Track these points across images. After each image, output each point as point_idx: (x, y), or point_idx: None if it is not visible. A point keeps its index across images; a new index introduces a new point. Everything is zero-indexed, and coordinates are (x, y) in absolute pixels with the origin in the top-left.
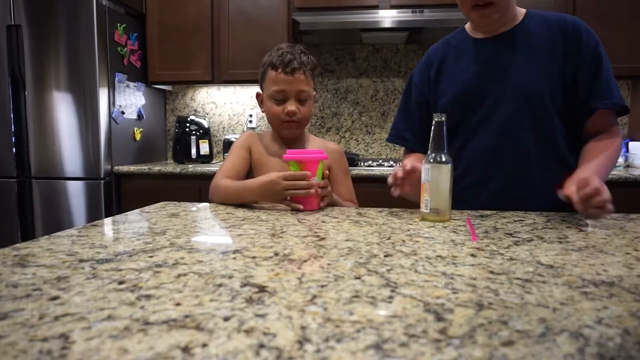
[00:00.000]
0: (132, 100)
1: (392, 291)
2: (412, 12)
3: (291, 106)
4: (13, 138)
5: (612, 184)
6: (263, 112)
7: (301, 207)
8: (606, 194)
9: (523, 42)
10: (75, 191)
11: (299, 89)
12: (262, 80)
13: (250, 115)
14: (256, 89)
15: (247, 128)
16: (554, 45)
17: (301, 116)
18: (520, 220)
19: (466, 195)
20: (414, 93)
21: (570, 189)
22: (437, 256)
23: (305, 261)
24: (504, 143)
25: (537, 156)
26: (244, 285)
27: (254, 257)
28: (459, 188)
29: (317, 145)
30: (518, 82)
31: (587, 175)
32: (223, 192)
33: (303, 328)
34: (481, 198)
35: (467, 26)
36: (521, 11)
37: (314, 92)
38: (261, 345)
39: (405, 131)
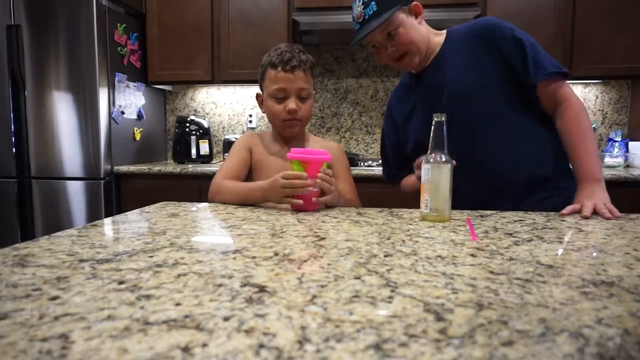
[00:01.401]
0: (132, 100)
1: (392, 291)
2: None
3: (292, 104)
4: (13, 138)
5: (612, 184)
6: (263, 112)
7: (301, 202)
8: (604, 206)
9: (452, 60)
10: (75, 191)
11: (299, 86)
12: (262, 80)
13: (250, 115)
14: (256, 88)
15: (247, 128)
16: (477, 51)
17: (302, 114)
18: (520, 220)
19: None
20: (386, 143)
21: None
22: (437, 256)
23: (305, 261)
24: (465, 151)
25: (501, 150)
26: (244, 285)
27: (254, 257)
28: None
29: (318, 144)
30: (462, 96)
31: (580, 205)
32: (231, 191)
33: (303, 328)
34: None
35: None
36: (442, 35)
37: (314, 91)
38: (261, 345)
39: (393, 170)
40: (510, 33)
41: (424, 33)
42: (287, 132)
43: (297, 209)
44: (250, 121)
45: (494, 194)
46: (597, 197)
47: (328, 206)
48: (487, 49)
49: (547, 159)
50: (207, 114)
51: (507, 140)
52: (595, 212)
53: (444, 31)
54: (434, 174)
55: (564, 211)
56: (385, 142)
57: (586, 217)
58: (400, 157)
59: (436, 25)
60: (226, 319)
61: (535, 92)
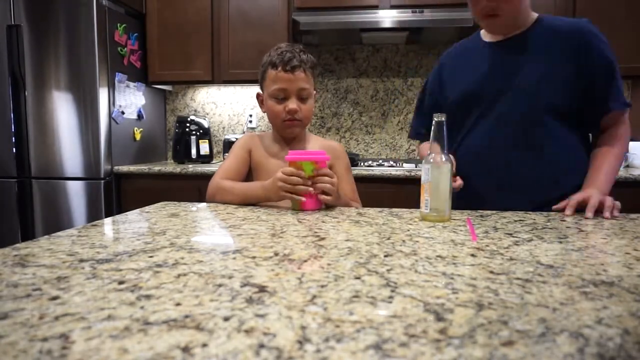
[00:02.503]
0: (132, 100)
1: (392, 291)
2: (412, 12)
3: (292, 104)
4: (13, 138)
5: None
6: (264, 112)
7: (303, 199)
8: (607, 201)
9: (530, 46)
10: (75, 191)
11: (300, 86)
12: (263, 80)
13: (250, 115)
14: (256, 89)
15: (247, 128)
16: (562, 50)
17: (302, 114)
18: (520, 220)
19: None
20: (427, 96)
21: (561, 205)
22: (437, 256)
23: (305, 261)
24: (496, 142)
25: (524, 155)
26: (244, 285)
27: (254, 257)
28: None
29: (319, 144)
30: (519, 84)
31: (586, 195)
32: (227, 192)
33: (303, 328)
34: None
35: (483, 31)
36: (534, 16)
37: (315, 91)
38: (261, 345)
39: (421, 127)
40: (605, 49)
41: (526, 4)
42: (287, 132)
43: (297, 209)
44: (250, 121)
45: (509, 195)
46: (601, 194)
47: (328, 206)
48: (572, 52)
49: (573, 179)
50: (207, 114)
51: (542, 149)
52: (599, 209)
53: (536, 14)
54: (434, 174)
55: (570, 204)
56: (425, 98)
57: (593, 207)
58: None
59: (437, 25)
60: (226, 319)
61: (601, 114)
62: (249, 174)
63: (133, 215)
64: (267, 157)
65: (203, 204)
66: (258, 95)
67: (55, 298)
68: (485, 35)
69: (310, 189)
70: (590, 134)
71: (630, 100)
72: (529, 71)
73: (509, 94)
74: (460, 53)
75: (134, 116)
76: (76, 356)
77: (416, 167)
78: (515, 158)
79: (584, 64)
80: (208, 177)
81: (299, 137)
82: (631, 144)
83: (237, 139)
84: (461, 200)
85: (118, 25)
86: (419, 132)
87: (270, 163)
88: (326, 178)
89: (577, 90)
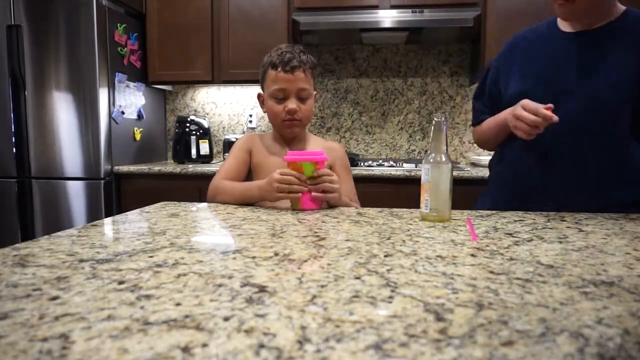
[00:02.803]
0: (132, 100)
1: (392, 291)
2: (412, 12)
3: (292, 104)
4: (13, 138)
5: None
6: (264, 112)
7: (299, 195)
8: None
9: (612, 41)
10: (75, 191)
11: (299, 87)
12: (263, 81)
13: (250, 115)
14: (256, 89)
15: (247, 128)
16: None
17: (302, 115)
18: (520, 220)
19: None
20: (489, 81)
21: None
22: (437, 256)
23: (305, 261)
24: (561, 144)
25: (595, 159)
26: (244, 285)
27: (254, 257)
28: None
29: (319, 145)
30: (594, 83)
31: None
32: (226, 192)
33: (303, 328)
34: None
35: (558, 18)
36: (620, 8)
37: (315, 92)
38: (261, 345)
39: (484, 112)
40: None
41: None
42: (287, 132)
43: (297, 209)
44: (250, 121)
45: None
46: None
47: (328, 206)
48: None
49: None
50: (207, 114)
51: (614, 158)
52: None
53: (623, 7)
54: (434, 174)
55: None
56: (487, 83)
57: None
58: (493, 104)
59: (437, 25)
60: (226, 319)
61: None
62: (249, 174)
63: (133, 215)
64: (268, 157)
65: (203, 204)
66: (259, 96)
67: (55, 298)
68: (562, 24)
69: (305, 188)
70: None
71: None
72: (617, 65)
73: (581, 94)
74: (532, 40)
75: (134, 116)
76: (76, 356)
77: (416, 167)
78: (588, 160)
79: None
80: (208, 177)
81: (299, 137)
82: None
83: (237, 139)
84: (511, 194)
85: (118, 25)
86: (482, 118)
87: (271, 163)
88: (326, 177)
89: None
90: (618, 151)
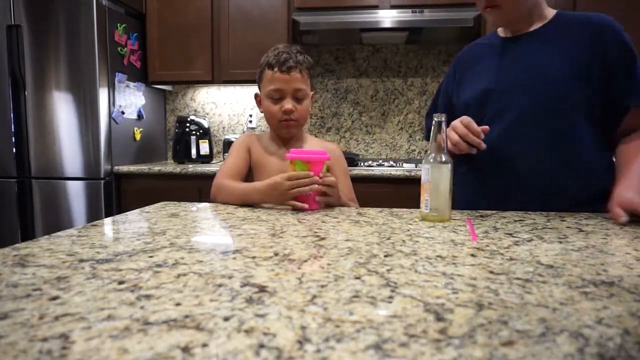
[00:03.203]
0: (132, 100)
1: (392, 291)
2: (412, 12)
3: (288, 104)
4: (13, 138)
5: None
6: (262, 112)
7: (306, 206)
8: None
9: (550, 39)
10: (75, 191)
11: (295, 87)
12: (260, 81)
13: (250, 115)
14: (256, 89)
15: (247, 128)
16: (583, 43)
17: (298, 115)
18: (520, 220)
19: (469, 182)
20: (441, 96)
21: (616, 212)
22: (437, 256)
23: (305, 261)
24: (512, 141)
25: (546, 154)
26: (244, 285)
27: (254, 257)
28: (460, 173)
29: (317, 145)
30: (541, 78)
31: (630, 198)
32: (231, 192)
33: (303, 328)
34: (483, 187)
35: (500, 28)
36: (552, 12)
37: (312, 92)
38: (261, 345)
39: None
40: (623, 39)
41: None
42: (283, 132)
43: (297, 209)
44: (250, 121)
45: (530, 193)
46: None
47: (328, 206)
48: (591, 47)
49: (591, 181)
50: (207, 114)
51: (564, 150)
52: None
53: (554, 10)
54: (434, 174)
55: (619, 211)
56: (440, 93)
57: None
58: (450, 113)
59: (437, 25)
60: (226, 319)
61: (620, 112)
62: (249, 174)
63: (133, 215)
64: (266, 157)
65: (203, 204)
66: (256, 96)
67: (55, 298)
68: (502, 32)
69: (317, 187)
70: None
71: None
72: (550, 64)
73: (530, 89)
74: (476, 51)
75: (134, 116)
76: (76, 356)
77: (416, 167)
78: (540, 154)
79: (601, 54)
80: (208, 177)
81: (296, 137)
82: None
83: (236, 139)
84: (479, 195)
85: (118, 25)
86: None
87: (269, 162)
88: (327, 179)
89: (599, 83)
90: (567, 148)
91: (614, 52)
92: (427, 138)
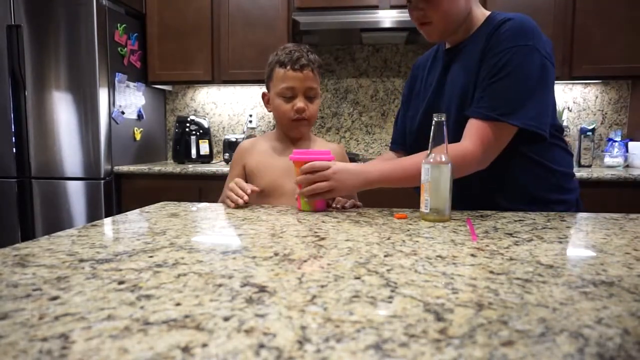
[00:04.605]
0: (132, 100)
1: (392, 291)
2: None
3: (300, 103)
4: (13, 138)
5: (611, 184)
6: (269, 111)
7: (241, 201)
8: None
9: (465, 54)
10: (75, 191)
11: (308, 85)
12: (269, 79)
13: (250, 115)
14: (256, 89)
15: (247, 128)
16: (480, 52)
17: (309, 114)
18: (520, 220)
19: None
20: (401, 109)
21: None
22: (437, 256)
23: (305, 261)
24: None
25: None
26: (244, 285)
27: (254, 257)
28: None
29: (321, 145)
30: (453, 95)
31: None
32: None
33: (303, 328)
34: None
35: None
36: (483, 16)
37: (320, 92)
38: (261, 345)
39: (395, 138)
40: (506, 48)
41: (462, 8)
42: (294, 132)
43: (308, 210)
44: (250, 121)
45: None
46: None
47: (328, 206)
48: (484, 51)
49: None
50: (207, 114)
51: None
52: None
53: (489, 13)
54: (434, 174)
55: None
56: (401, 106)
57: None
58: (403, 128)
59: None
60: (226, 319)
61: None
62: (252, 176)
63: (133, 215)
64: (273, 156)
65: (203, 204)
66: (264, 95)
67: (55, 298)
68: (447, 42)
69: (246, 198)
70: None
71: (627, 102)
72: (459, 82)
73: (448, 108)
74: (424, 61)
75: (134, 116)
76: (76, 356)
77: None
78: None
79: (484, 58)
80: (208, 177)
81: (305, 136)
82: (631, 144)
83: (237, 139)
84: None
85: (118, 25)
86: (393, 147)
87: (276, 162)
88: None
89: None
90: (492, 164)
91: (491, 57)
92: (391, 149)
